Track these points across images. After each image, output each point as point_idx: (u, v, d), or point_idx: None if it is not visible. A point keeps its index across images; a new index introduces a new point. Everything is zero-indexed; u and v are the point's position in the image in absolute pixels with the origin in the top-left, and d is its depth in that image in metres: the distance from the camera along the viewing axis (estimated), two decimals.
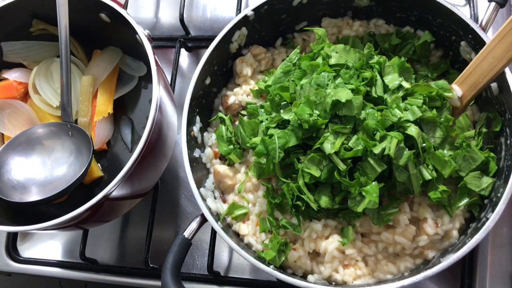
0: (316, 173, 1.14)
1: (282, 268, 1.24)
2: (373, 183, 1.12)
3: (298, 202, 1.18)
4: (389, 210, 1.17)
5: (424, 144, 1.15)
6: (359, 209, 1.12)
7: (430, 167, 1.16)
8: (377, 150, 1.10)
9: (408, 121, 1.14)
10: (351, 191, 1.13)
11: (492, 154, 1.21)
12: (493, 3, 1.24)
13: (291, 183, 1.18)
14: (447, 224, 1.18)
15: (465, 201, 1.19)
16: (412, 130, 1.13)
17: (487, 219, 1.10)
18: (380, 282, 1.19)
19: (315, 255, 1.24)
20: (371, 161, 1.12)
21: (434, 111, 1.20)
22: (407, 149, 1.11)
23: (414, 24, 1.38)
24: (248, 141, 1.29)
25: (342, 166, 1.12)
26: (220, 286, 1.45)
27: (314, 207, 1.16)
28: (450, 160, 1.16)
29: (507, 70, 1.16)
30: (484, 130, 1.24)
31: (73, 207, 1.16)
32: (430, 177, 1.14)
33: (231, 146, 1.35)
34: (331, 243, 1.20)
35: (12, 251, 1.63)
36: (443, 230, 1.18)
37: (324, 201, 1.16)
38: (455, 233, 1.19)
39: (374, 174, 1.12)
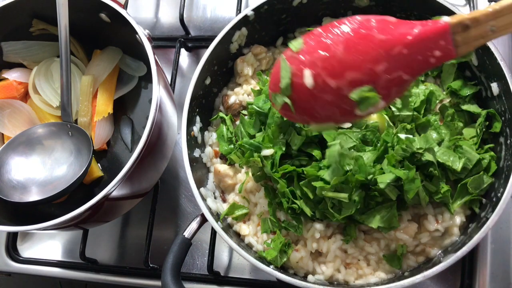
0: (308, 211, 1.16)
1: (283, 269, 1.24)
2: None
3: (294, 205, 1.18)
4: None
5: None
6: (373, 224, 1.14)
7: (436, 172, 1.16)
8: (383, 184, 1.09)
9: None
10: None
11: (492, 153, 1.21)
12: (493, 3, 1.24)
13: (286, 189, 1.18)
14: (448, 220, 1.19)
15: (465, 198, 1.19)
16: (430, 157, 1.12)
17: (487, 219, 1.10)
18: (381, 281, 1.19)
19: (317, 254, 1.25)
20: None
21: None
22: (418, 178, 1.10)
23: None
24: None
25: (330, 205, 1.14)
26: (220, 286, 1.45)
27: (308, 214, 1.16)
28: (458, 157, 1.16)
29: (507, 70, 1.16)
30: (482, 123, 1.24)
31: (73, 207, 1.16)
32: (436, 188, 1.15)
33: (232, 146, 1.35)
34: (334, 242, 1.20)
35: (12, 251, 1.63)
36: (443, 226, 1.19)
37: (320, 214, 1.18)
38: (456, 230, 1.19)
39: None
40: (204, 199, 1.26)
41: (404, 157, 1.12)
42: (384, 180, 1.09)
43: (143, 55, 1.29)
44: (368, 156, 1.14)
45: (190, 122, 1.33)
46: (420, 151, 1.12)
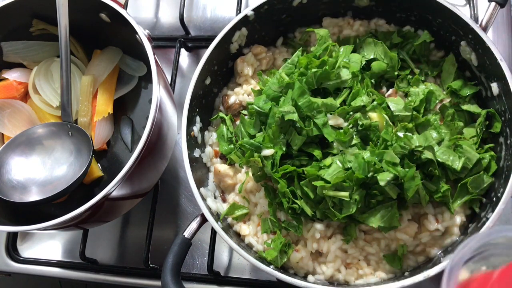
0: (309, 211, 1.16)
1: (283, 269, 1.24)
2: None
3: (294, 205, 1.18)
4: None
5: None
6: (373, 224, 1.14)
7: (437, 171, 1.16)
8: (383, 182, 1.09)
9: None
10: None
11: (492, 153, 1.21)
12: (493, 3, 1.24)
13: (286, 189, 1.18)
14: (448, 220, 1.19)
15: (465, 197, 1.19)
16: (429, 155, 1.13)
17: (487, 219, 1.11)
18: (381, 281, 1.19)
19: (317, 255, 1.25)
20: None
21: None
22: (418, 176, 1.10)
23: (414, 24, 1.38)
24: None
25: (330, 204, 1.14)
26: (220, 286, 1.45)
27: (309, 213, 1.16)
28: (458, 156, 1.17)
29: (507, 70, 1.16)
30: (482, 123, 1.24)
31: (73, 207, 1.16)
32: (436, 187, 1.16)
33: (232, 146, 1.35)
34: (334, 242, 1.20)
35: (12, 251, 1.63)
36: (443, 226, 1.19)
37: (320, 213, 1.18)
38: (456, 229, 1.20)
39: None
40: (204, 199, 1.26)
41: (404, 155, 1.12)
42: (384, 177, 1.09)
43: (143, 55, 1.29)
44: (368, 154, 1.14)
45: (190, 122, 1.33)
46: (420, 149, 1.13)
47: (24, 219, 1.35)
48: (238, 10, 1.68)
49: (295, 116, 1.16)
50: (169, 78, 1.66)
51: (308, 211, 1.16)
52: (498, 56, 1.18)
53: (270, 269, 1.16)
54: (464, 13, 1.26)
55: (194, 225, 1.23)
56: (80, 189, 1.37)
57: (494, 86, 1.22)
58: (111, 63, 1.48)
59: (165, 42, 1.75)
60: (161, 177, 1.50)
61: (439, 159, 1.15)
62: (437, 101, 1.27)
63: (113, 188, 1.18)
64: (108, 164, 1.46)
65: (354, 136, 1.19)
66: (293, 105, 1.18)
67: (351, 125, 1.20)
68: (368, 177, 1.11)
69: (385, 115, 1.21)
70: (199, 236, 1.46)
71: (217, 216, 1.27)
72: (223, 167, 1.35)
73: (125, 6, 1.69)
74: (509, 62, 1.47)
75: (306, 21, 1.46)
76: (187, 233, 1.21)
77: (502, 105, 1.21)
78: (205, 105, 1.42)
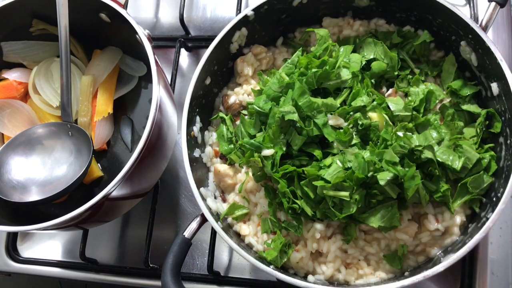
0: (309, 211, 1.16)
1: (283, 269, 1.24)
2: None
3: (294, 205, 1.18)
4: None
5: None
6: (373, 223, 1.14)
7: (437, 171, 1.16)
8: (383, 181, 1.09)
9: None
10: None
11: (492, 152, 1.21)
12: (493, 3, 1.24)
13: (286, 189, 1.18)
14: (448, 220, 1.19)
15: (465, 197, 1.19)
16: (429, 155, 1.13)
17: (487, 219, 1.11)
18: (381, 281, 1.19)
19: (317, 255, 1.25)
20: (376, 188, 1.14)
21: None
22: (418, 175, 1.10)
23: (414, 24, 1.39)
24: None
25: (330, 204, 1.14)
26: (220, 286, 1.45)
27: (309, 213, 1.16)
28: (458, 156, 1.17)
29: (507, 70, 1.16)
30: (482, 123, 1.24)
31: (73, 207, 1.16)
32: (436, 187, 1.16)
33: (232, 146, 1.35)
34: (334, 243, 1.20)
35: (12, 251, 1.63)
36: (443, 226, 1.19)
37: (320, 213, 1.18)
38: (456, 229, 1.20)
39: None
40: (204, 199, 1.26)
41: (404, 154, 1.12)
42: (384, 177, 1.09)
43: (143, 55, 1.30)
44: (368, 154, 1.14)
45: (190, 122, 1.33)
46: (419, 148, 1.13)
47: (24, 219, 1.35)
48: (238, 10, 1.68)
49: (295, 116, 1.16)
50: (169, 78, 1.66)
51: (308, 211, 1.16)
52: (498, 56, 1.18)
53: (270, 269, 1.16)
54: (464, 13, 1.26)
55: (194, 225, 1.23)
56: (80, 189, 1.37)
57: (494, 86, 1.22)
58: (111, 63, 1.48)
59: (165, 42, 1.75)
60: (161, 177, 1.51)
61: (439, 159, 1.15)
62: (437, 101, 1.27)
63: (113, 188, 1.18)
64: (108, 164, 1.46)
65: (354, 136, 1.19)
66: (293, 105, 1.18)
67: (351, 125, 1.20)
68: (368, 177, 1.11)
69: (385, 115, 1.21)
70: (199, 236, 1.46)
71: (217, 216, 1.27)
72: (223, 167, 1.35)
73: (125, 6, 1.68)
74: (509, 62, 1.47)
75: (306, 21, 1.46)
76: (187, 233, 1.21)
77: (502, 105, 1.21)
78: (205, 105, 1.42)
